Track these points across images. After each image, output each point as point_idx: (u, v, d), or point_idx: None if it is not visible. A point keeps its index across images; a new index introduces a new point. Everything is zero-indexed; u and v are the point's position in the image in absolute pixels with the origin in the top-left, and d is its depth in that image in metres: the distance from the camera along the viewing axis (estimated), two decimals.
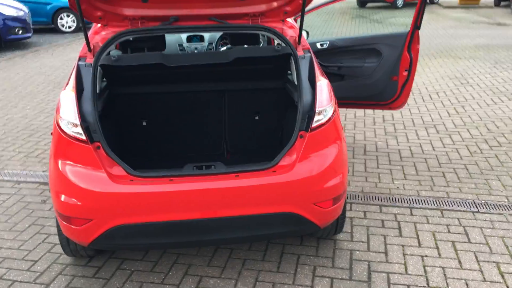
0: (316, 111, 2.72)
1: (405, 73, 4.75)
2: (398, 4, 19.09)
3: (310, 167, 2.72)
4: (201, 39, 4.62)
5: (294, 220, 2.73)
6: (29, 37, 11.24)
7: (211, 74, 3.06)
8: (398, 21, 15.37)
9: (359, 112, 6.11)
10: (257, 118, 3.35)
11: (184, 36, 4.59)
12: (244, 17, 2.94)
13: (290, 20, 3.09)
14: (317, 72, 2.88)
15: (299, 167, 2.70)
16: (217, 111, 3.31)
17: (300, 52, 2.93)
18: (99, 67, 2.73)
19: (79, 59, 2.78)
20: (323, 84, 2.81)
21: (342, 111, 6.03)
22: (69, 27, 13.47)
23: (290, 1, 2.86)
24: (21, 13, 10.86)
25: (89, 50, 2.78)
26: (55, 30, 13.63)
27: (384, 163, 4.65)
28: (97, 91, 2.70)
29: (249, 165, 2.72)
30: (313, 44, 4.87)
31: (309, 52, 2.95)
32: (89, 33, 2.89)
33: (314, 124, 2.73)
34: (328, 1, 5.08)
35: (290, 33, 2.97)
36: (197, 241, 2.80)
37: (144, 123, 3.29)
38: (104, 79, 2.93)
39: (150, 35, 3.00)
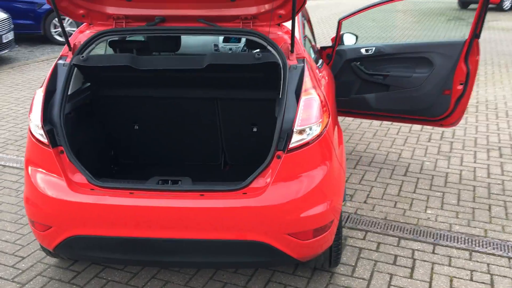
0: (295, 130, 2.39)
1: (460, 87, 4.18)
2: (504, 7, 17.41)
3: (284, 192, 2.40)
4: (239, 39, 4.40)
5: (264, 250, 2.43)
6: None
7: (200, 80, 2.83)
8: (499, 25, 14.00)
9: (416, 126, 5.55)
10: (255, 130, 3.06)
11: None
12: (235, 20, 2.67)
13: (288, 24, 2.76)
14: (309, 84, 2.53)
15: (272, 192, 2.39)
16: (212, 120, 3.08)
17: (293, 62, 2.60)
18: (75, 68, 2.62)
19: (60, 58, 2.69)
20: (311, 99, 2.47)
21: (396, 124, 5.53)
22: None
23: (284, 4, 2.54)
24: None
25: (70, 49, 2.68)
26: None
27: (423, 187, 4.13)
28: (69, 92, 2.59)
29: (217, 184, 2.46)
30: (357, 50, 4.47)
31: (304, 62, 2.61)
32: (75, 31, 2.80)
33: (293, 144, 2.40)
34: (382, 1, 4.59)
35: (286, 39, 2.65)
36: (156, 262, 2.61)
37: (136, 127, 3.14)
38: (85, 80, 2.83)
39: (136, 35, 2.83)
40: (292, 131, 2.39)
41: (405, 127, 5.53)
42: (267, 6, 2.60)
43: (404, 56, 4.39)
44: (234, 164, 3.29)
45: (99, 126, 3.02)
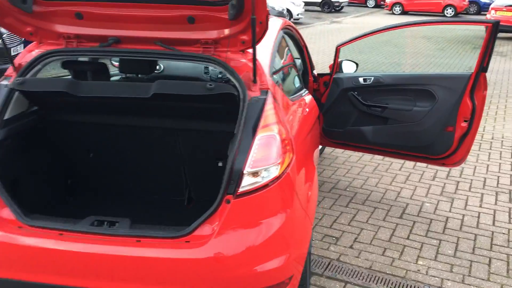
0: (245, 172, 2.09)
1: (464, 124, 3.82)
2: None
3: (232, 243, 2.10)
4: None
5: None
6: None
7: (156, 109, 2.57)
8: None
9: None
10: (220, 164, 2.76)
11: None
12: (196, 44, 2.40)
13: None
14: (270, 119, 2.23)
15: (218, 242, 2.09)
16: (174, 152, 2.79)
17: (255, 93, 2.30)
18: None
19: (4, 79, 2.47)
20: (269, 137, 2.17)
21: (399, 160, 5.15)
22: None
23: (246, 29, 2.26)
24: None
25: (14, 69, 2.45)
26: None
27: (419, 232, 3.74)
28: (6, 117, 2.35)
29: (158, 229, 2.16)
30: (355, 79, 4.16)
31: (267, 93, 2.31)
32: (23, 50, 2.57)
33: (245, 188, 2.10)
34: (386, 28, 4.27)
35: (250, 68, 2.36)
36: None
37: (91, 155, 2.88)
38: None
39: (89, 57, 2.59)
40: (242, 173, 2.08)
41: (409, 162, 5.15)
42: (227, 31, 2.32)
43: (405, 88, 4.05)
44: (200, 200, 2.99)
45: (49, 153, 2.76)
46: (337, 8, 26.80)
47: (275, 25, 3.04)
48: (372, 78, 4.14)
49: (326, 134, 4.47)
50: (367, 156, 5.28)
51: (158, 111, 2.58)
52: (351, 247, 3.52)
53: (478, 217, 4.03)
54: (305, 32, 16.98)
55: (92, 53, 2.49)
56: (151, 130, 2.71)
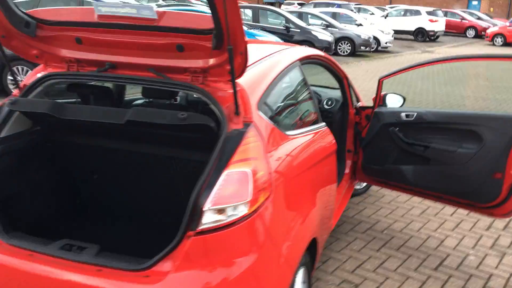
0: (206, 208, 1.97)
1: None
2: None
3: (188, 283, 1.98)
4: None
5: None
6: None
7: (148, 136, 2.53)
8: None
9: None
10: None
11: None
12: (185, 73, 2.35)
13: (241, 81, 2.35)
14: (243, 155, 2.10)
15: (173, 280, 1.99)
16: (171, 179, 2.74)
17: (237, 125, 2.19)
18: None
19: (9, 99, 2.57)
20: (239, 173, 2.04)
21: None
22: None
23: (234, 60, 2.16)
24: None
25: (19, 90, 2.56)
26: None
27: None
28: (5, 134, 2.45)
29: (123, 259, 2.10)
30: (397, 114, 3.89)
31: (248, 127, 2.19)
32: (31, 71, 2.67)
33: (207, 225, 1.98)
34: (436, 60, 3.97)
35: (239, 97, 2.26)
36: None
37: (96, 177, 2.91)
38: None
39: (82, 81, 2.62)
40: (202, 210, 1.97)
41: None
42: (212, 61, 2.25)
43: (449, 127, 3.71)
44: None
45: (51, 173, 2.83)
46: (432, 37, 25.78)
47: (288, 55, 2.91)
48: (415, 114, 3.85)
49: (364, 170, 4.21)
50: (417, 198, 4.89)
51: (151, 138, 2.56)
52: None
53: None
54: (391, 61, 16.49)
55: (89, 77, 2.53)
56: (150, 157, 2.68)
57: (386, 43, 19.76)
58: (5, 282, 2.17)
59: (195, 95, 2.33)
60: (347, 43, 17.58)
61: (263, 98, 2.41)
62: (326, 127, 3.08)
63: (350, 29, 18.10)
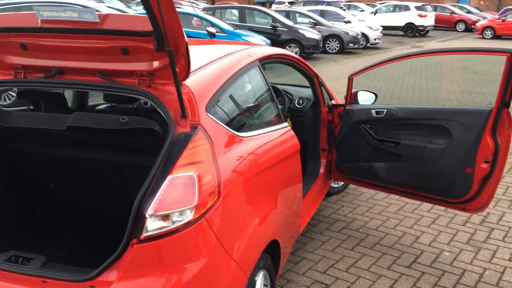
0: (148, 215, 1.92)
1: (485, 166, 3.39)
2: None
3: None
4: None
5: None
6: None
7: (97, 141, 2.49)
8: None
9: None
10: None
11: None
12: (132, 76, 2.30)
13: (189, 83, 2.30)
14: (192, 158, 2.06)
15: None
16: (123, 186, 2.69)
17: (184, 128, 2.15)
18: None
19: None
20: (182, 178, 1.99)
21: None
22: None
23: (177, 61, 2.11)
24: None
25: None
26: None
27: (423, 286, 3.31)
28: None
29: (69, 270, 2.05)
30: (368, 111, 3.86)
31: (195, 130, 2.14)
32: None
33: (150, 232, 1.93)
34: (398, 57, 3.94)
35: (186, 100, 2.21)
36: None
37: (52, 185, 2.86)
38: None
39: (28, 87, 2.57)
40: (144, 216, 1.92)
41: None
42: (156, 63, 2.20)
43: (419, 123, 3.67)
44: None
45: (6, 183, 2.77)
46: (422, 32, 25.76)
47: (244, 56, 2.86)
48: (385, 111, 3.81)
49: (338, 169, 4.18)
50: (395, 195, 4.84)
51: (102, 144, 2.51)
52: None
53: (503, 272, 3.49)
54: (380, 58, 16.44)
55: (35, 84, 2.48)
56: (102, 163, 2.63)
57: (375, 39, 19.73)
58: None
59: (141, 99, 2.28)
60: (336, 41, 17.55)
61: (214, 100, 2.36)
62: (288, 128, 3.03)
63: (338, 27, 18.07)
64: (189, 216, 1.98)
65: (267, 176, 2.60)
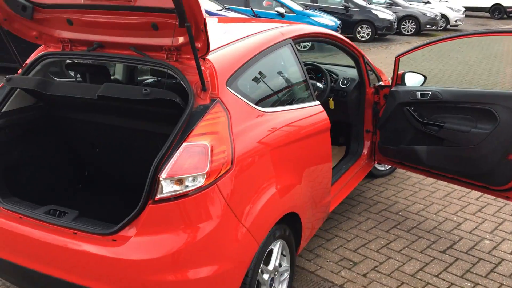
0: (162, 178, 2.09)
1: None
2: None
3: (147, 248, 2.12)
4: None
5: None
6: None
7: (132, 111, 2.68)
8: None
9: None
10: None
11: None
12: (161, 51, 2.46)
13: (213, 58, 2.42)
14: (207, 128, 2.19)
15: (134, 244, 2.13)
16: (153, 153, 2.88)
17: (204, 101, 2.28)
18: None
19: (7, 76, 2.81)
20: (195, 146, 2.13)
21: None
22: None
23: (197, 37, 2.24)
24: None
25: (22, 68, 2.79)
26: None
27: (455, 272, 3.27)
28: (6, 109, 2.69)
29: (95, 224, 2.28)
30: (412, 93, 3.81)
31: (213, 102, 2.27)
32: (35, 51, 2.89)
33: (164, 194, 2.10)
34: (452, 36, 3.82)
35: (208, 74, 2.34)
36: None
37: (97, 150, 3.12)
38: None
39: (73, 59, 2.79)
40: (158, 179, 2.09)
41: None
42: (182, 39, 2.34)
43: (464, 106, 3.57)
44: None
45: (54, 146, 3.05)
46: (511, 15, 24.11)
47: (276, 34, 2.93)
48: (430, 93, 3.73)
49: (381, 151, 4.16)
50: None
51: (138, 114, 2.70)
52: (365, 275, 3.23)
53: None
54: (460, 41, 15.66)
55: (79, 56, 2.70)
56: (138, 132, 2.83)
57: (455, 21, 18.79)
58: (4, 241, 2.42)
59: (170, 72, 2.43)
60: (412, 22, 16.92)
61: (236, 75, 2.47)
62: (318, 106, 3.08)
63: (415, 7, 17.38)
64: (200, 182, 2.12)
65: (290, 151, 2.68)
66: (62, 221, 2.32)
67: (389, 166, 4.91)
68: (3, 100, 2.70)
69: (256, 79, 2.67)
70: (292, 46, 3.02)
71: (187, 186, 2.12)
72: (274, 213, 2.47)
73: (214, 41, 2.67)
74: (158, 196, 2.11)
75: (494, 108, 3.38)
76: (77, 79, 3.09)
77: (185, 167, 2.11)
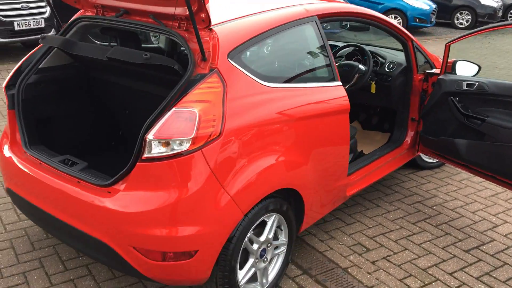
0: (149, 138, 2.22)
1: None
2: None
3: (133, 202, 2.30)
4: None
5: (108, 252, 2.37)
6: None
7: (143, 74, 2.83)
8: None
9: None
10: None
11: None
12: (175, 20, 2.57)
13: (219, 29, 2.47)
14: (199, 97, 2.28)
15: (122, 197, 2.32)
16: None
17: (203, 70, 2.38)
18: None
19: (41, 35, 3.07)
20: (183, 112, 2.24)
21: None
22: None
23: (201, 8, 2.32)
24: None
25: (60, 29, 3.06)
26: None
27: (471, 273, 3.11)
28: (43, 65, 2.96)
29: (96, 176, 2.48)
30: (459, 82, 3.63)
31: (211, 72, 2.35)
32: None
33: (150, 154, 2.24)
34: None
35: (211, 45, 2.43)
36: (49, 229, 2.79)
37: (127, 112, 3.32)
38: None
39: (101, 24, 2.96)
40: (145, 140, 2.23)
41: None
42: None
43: (510, 101, 3.33)
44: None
45: (85, 104, 3.29)
46: None
47: (299, 10, 2.91)
48: (476, 84, 3.52)
49: (422, 141, 4.01)
50: None
51: (146, 78, 2.86)
52: (374, 262, 3.18)
53: None
54: None
55: (107, 21, 2.88)
56: (153, 96, 2.98)
57: None
58: (22, 182, 2.73)
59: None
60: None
61: (241, 48, 2.52)
62: (338, 87, 3.03)
63: None
64: (186, 146, 2.23)
65: (297, 129, 2.69)
66: (70, 170, 2.56)
67: None
68: (41, 58, 2.98)
69: (266, 54, 2.71)
70: (316, 24, 2.99)
71: (173, 149, 2.24)
72: (264, 186, 2.52)
73: (229, 13, 2.75)
74: (145, 155, 2.25)
75: None
76: (111, 44, 3.31)
77: (172, 131, 2.23)
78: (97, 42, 3.39)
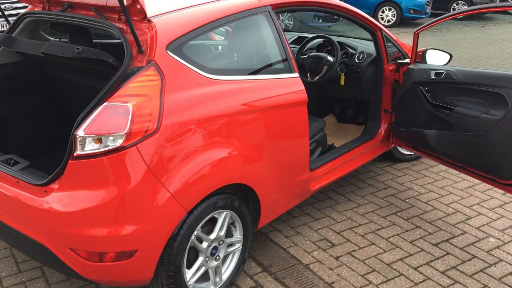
0: (79, 134, 2.14)
1: None
2: None
3: (65, 201, 2.22)
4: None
5: (47, 254, 2.30)
6: None
7: (89, 71, 2.76)
8: None
9: None
10: None
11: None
12: (114, 12, 2.49)
13: (157, 21, 2.39)
14: (133, 90, 2.20)
15: (55, 197, 2.24)
16: None
17: (140, 63, 2.30)
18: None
19: None
20: (121, 107, 2.16)
21: None
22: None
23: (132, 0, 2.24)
24: None
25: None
26: None
27: (437, 267, 3.02)
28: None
29: (34, 176, 2.41)
30: (427, 71, 3.52)
31: (149, 65, 2.27)
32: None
33: (82, 152, 2.16)
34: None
35: (149, 37, 2.35)
36: None
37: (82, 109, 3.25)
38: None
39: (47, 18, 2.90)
40: (75, 136, 2.15)
41: None
42: (126, 0, 2.34)
43: (478, 89, 3.22)
44: None
45: (39, 101, 3.22)
46: None
47: (250, 2, 2.82)
48: (444, 72, 3.42)
49: (394, 133, 3.92)
50: None
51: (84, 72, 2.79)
52: (337, 258, 3.09)
53: None
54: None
55: (51, 16, 2.81)
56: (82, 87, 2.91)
57: None
58: None
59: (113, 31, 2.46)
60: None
61: (182, 40, 2.44)
62: (295, 78, 2.94)
63: None
64: (119, 142, 2.15)
65: (246, 122, 2.61)
66: (10, 169, 2.49)
67: None
68: None
69: (211, 46, 2.62)
70: (270, 14, 2.90)
71: (107, 146, 2.16)
72: (209, 182, 2.44)
73: (172, 4, 2.66)
74: (77, 152, 2.18)
75: (506, 92, 3.02)
76: (61, 39, 3.24)
77: (104, 127, 2.15)
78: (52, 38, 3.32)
